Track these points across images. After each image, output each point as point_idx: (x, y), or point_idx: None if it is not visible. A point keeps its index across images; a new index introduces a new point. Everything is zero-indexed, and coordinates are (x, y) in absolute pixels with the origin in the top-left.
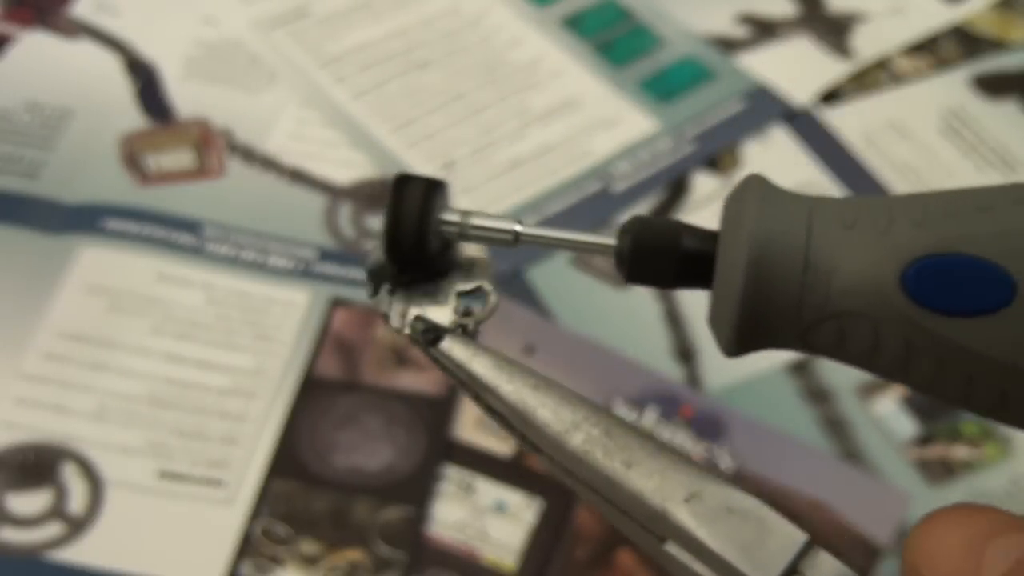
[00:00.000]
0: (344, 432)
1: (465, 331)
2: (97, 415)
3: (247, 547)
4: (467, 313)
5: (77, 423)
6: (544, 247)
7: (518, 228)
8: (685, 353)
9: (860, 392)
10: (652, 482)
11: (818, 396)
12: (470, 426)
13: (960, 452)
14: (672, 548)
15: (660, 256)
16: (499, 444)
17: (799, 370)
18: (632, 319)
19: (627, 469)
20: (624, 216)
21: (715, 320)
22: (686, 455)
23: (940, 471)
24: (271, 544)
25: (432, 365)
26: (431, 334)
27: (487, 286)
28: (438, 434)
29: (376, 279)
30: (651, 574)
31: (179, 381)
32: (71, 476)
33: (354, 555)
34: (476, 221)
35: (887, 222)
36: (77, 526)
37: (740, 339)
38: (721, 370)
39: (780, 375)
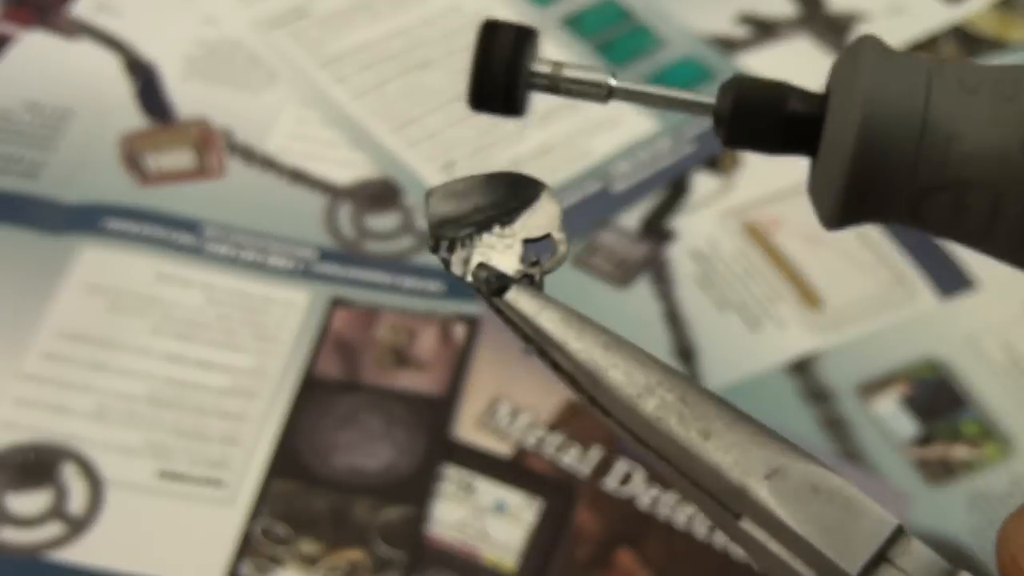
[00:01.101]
0: (344, 432)
1: (532, 282)
2: (97, 415)
3: (247, 547)
4: (535, 263)
5: (77, 423)
6: (638, 103)
7: (612, 82)
8: (685, 353)
9: (860, 392)
10: (731, 455)
11: (818, 396)
12: (470, 426)
13: (960, 452)
14: (748, 526)
15: (764, 117)
16: (499, 444)
17: (799, 370)
18: (632, 319)
19: (704, 440)
20: (625, 216)
21: (818, 188)
22: (768, 428)
23: (940, 471)
24: (271, 544)
25: (434, 364)
26: (496, 283)
27: (557, 234)
28: (438, 434)
29: (437, 232)
30: (651, 574)
31: (179, 381)
32: (71, 476)
33: (354, 555)
34: (568, 73)
35: (1014, 89)
36: (77, 526)
37: (846, 207)
38: (721, 370)
39: (780, 375)
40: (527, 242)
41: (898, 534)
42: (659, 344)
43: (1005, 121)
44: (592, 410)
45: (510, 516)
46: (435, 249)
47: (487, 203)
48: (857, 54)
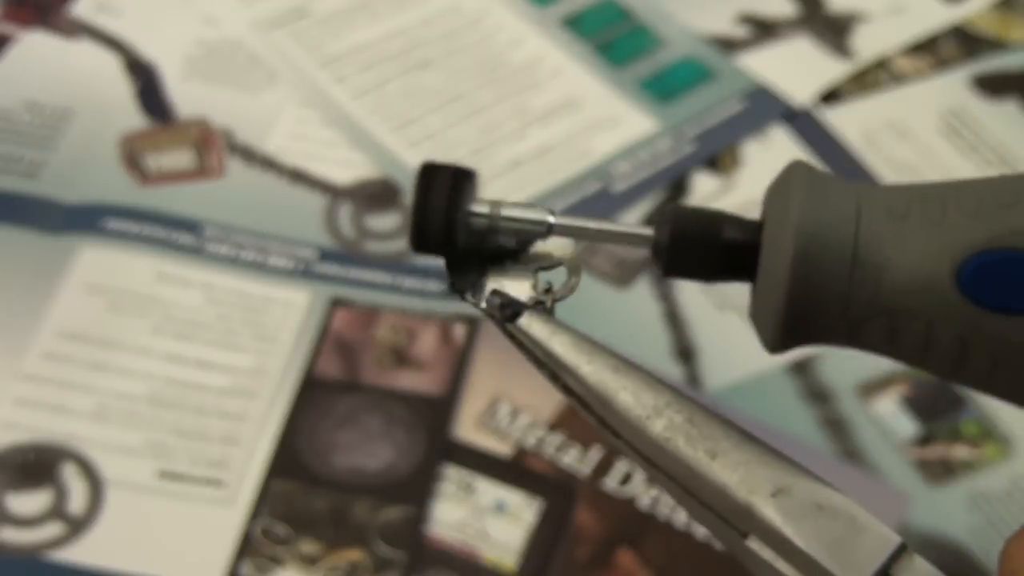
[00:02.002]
0: (344, 432)
1: (544, 308)
2: (97, 415)
3: (247, 547)
4: (547, 290)
5: (77, 423)
6: (578, 238)
7: (551, 219)
8: (685, 353)
9: (860, 392)
10: (737, 474)
11: (818, 396)
12: (470, 426)
13: (960, 452)
14: (755, 544)
15: (701, 247)
16: (499, 444)
17: (799, 370)
18: (632, 319)
19: (711, 459)
20: (625, 216)
21: (758, 315)
22: (773, 448)
23: (940, 471)
24: (271, 544)
25: (434, 364)
26: (509, 309)
27: (569, 262)
28: (438, 434)
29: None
30: (651, 574)
31: (179, 381)
32: (71, 476)
33: (354, 555)
34: (507, 212)
35: (940, 213)
36: (77, 526)
37: (784, 335)
38: (721, 370)
39: (780, 375)
40: (540, 269)
41: (901, 551)
42: (659, 344)
43: (933, 248)
44: (603, 432)
45: (510, 516)
46: (454, 287)
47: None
48: (789, 182)
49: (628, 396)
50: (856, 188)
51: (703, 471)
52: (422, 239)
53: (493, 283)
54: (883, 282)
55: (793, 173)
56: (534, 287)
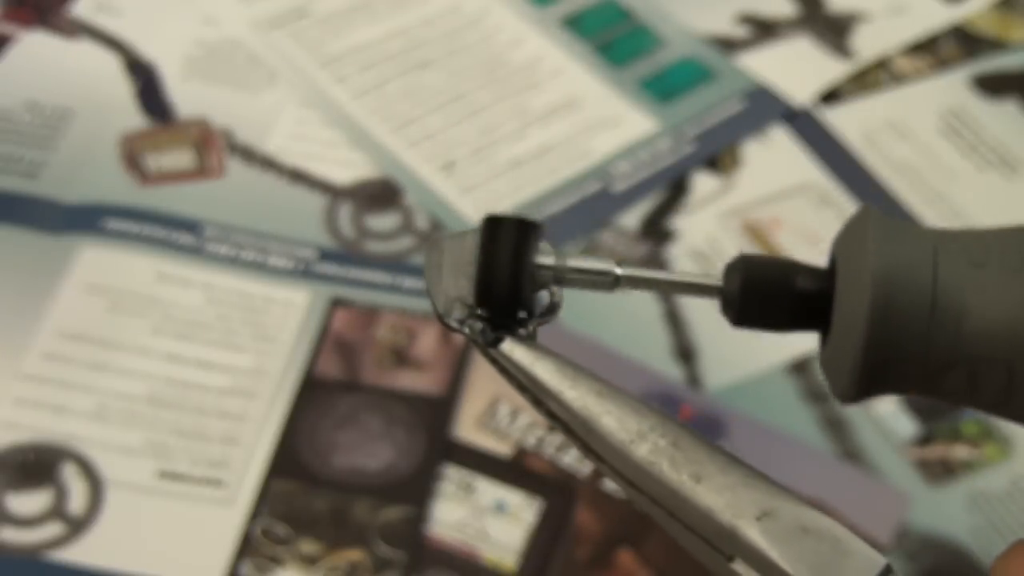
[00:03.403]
0: (344, 432)
1: (527, 332)
2: (97, 415)
3: (247, 547)
4: (529, 314)
5: (77, 423)
6: (644, 290)
7: (618, 271)
8: (685, 353)
9: None
10: (722, 498)
11: (818, 396)
12: (470, 426)
13: (960, 452)
14: (740, 567)
15: (772, 297)
16: (499, 444)
17: (799, 370)
18: (632, 319)
19: (696, 483)
20: (624, 216)
21: (831, 364)
22: (758, 471)
23: (940, 471)
24: (271, 544)
25: (434, 364)
26: (491, 334)
27: (552, 287)
28: (438, 434)
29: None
30: (651, 574)
31: (179, 381)
32: (71, 476)
33: (354, 555)
34: (573, 263)
35: (1020, 259)
36: (77, 526)
37: (862, 384)
38: (721, 370)
39: (780, 375)
40: None
41: (887, 573)
42: (659, 344)
43: (1014, 295)
44: (587, 456)
45: (510, 516)
46: (443, 318)
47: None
48: (862, 227)
49: (612, 420)
50: (932, 235)
51: (688, 495)
52: (489, 292)
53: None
54: (963, 329)
55: (866, 219)
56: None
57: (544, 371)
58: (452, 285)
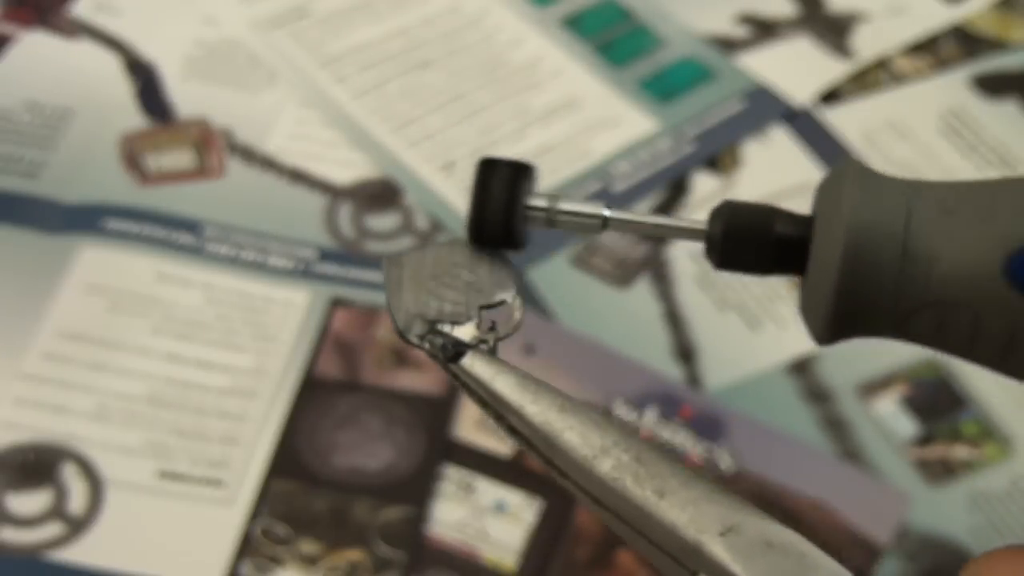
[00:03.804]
0: (344, 432)
1: (487, 347)
2: (97, 415)
3: (247, 547)
4: (491, 328)
5: (77, 423)
6: (631, 232)
7: (606, 213)
8: (685, 353)
9: (860, 392)
10: (686, 513)
11: (818, 396)
12: (470, 426)
13: (960, 452)
14: None
15: (753, 242)
16: (499, 444)
17: (799, 370)
18: (632, 319)
19: (659, 499)
20: None
21: (807, 307)
22: (721, 486)
23: (940, 471)
24: (271, 544)
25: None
26: (451, 350)
27: (512, 300)
28: (438, 434)
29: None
30: (651, 574)
31: (179, 381)
32: (71, 476)
33: (354, 555)
34: (563, 206)
35: (990, 208)
36: (77, 526)
37: (834, 327)
38: (721, 370)
39: (780, 375)
40: (483, 308)
41: None
42: (659, 344)
43: (983, 243)
44: (550, 472)
45: (510, 516)
46: (403, 334)
47: (445, 284)
48: (840, 177)
49: (574, 436)
50: (907, 184)
51: (651, 510)
52: (481, 232)
53: (440, 326)
54: (933, 274)
55: (845, 169)
56: (478, 326)
57: (505, 386)
58: (412, 301)
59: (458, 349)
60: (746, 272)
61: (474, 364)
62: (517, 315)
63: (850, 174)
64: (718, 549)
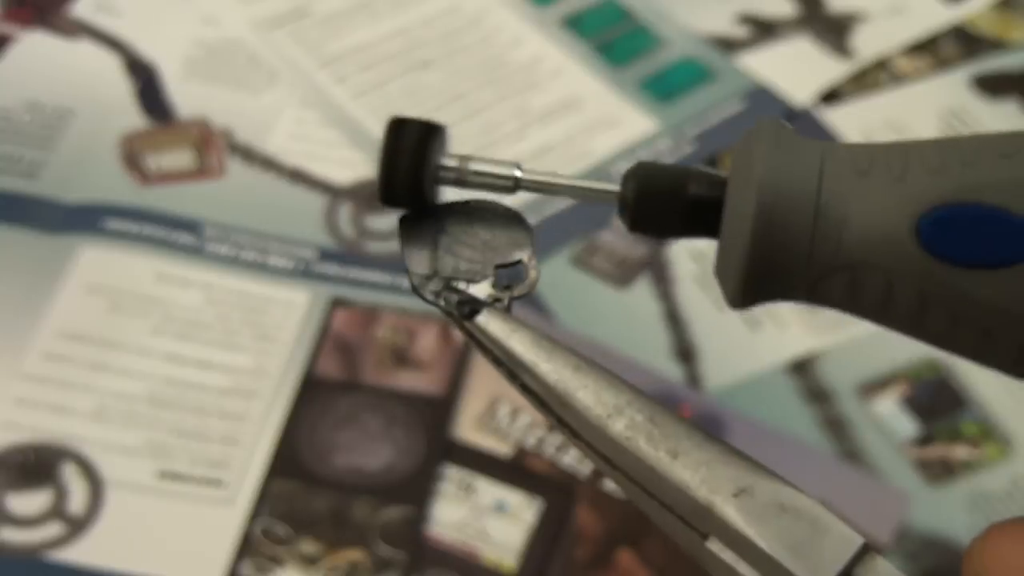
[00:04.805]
0: (344, 432)
1: (503, 305)
2: (97, 415)
3: (247, 547)
4: (506, 287)
5: (77, 423)
6: (544, 193)
7: (517, 173)
8: (685, 353)
9: (860, 392)
10: (699, 474)
11: (818, 396)
12: (470, 426)
13: (960, 452)
14: (715, 546)
15: (666, 203)
16: (499, 444)
17: (799, 370)
18: (632, 319)
19: (672, 459)
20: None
21: (721, 270)
22: (735, 448)
23: (940, 471)
24: (271, 544)
25: (434, 364)
26: (466, 307)
27: (527, 260)
28: (438, 434)
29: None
30: (651, 574)
31: (179, 381)
32: (71, 476)
33: (354, 555)
34: (474, 167)
35: (902, 169)
36: (77, 526)
37: (746, 290)
38: (721, 370)
39: (780, 375)
40: (498, 267)
41: (864, 552)
42: (659, 344)
43: (894, 203)
44: (562, 432)
45: (510, 516)
46: (418, 290)
47: (461, 242)
48: (754, 137)
49: (588, 395)
50: (821, 145)
51: (664, 471)
52: (390, 191)
53: (454, 282)
54: (844, 237)
55: (760, 129)
56: (493, 285)
57: (519, 344)
58: (428, 258)
59: (473, 307)
60: (660, 235)
61: (489, 322)
62: (532, 274)
63: (764, 134)
64: (730, 510)
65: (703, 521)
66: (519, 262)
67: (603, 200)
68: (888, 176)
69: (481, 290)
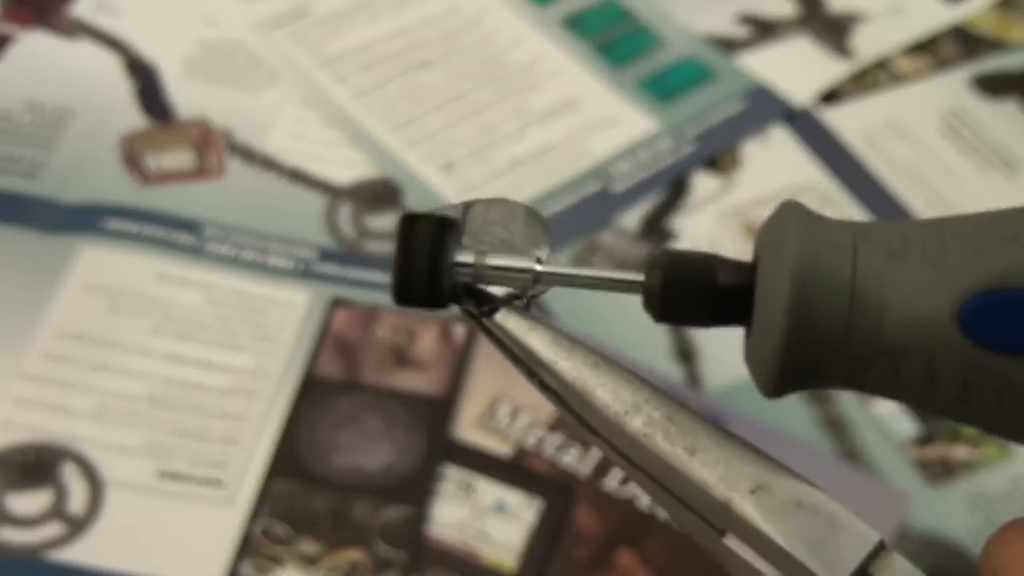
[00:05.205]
0: (344, 432)
1: (521, 303)
2: (97, 415)
3: (247, 547)
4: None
5: (77, 423)
6: (566, 286)
7: (538, 268)
8: (685, 353)
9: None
10: (716, 471)
11: (818, 396)
12: (470, 426)
13: (960, 452)
14: (733, 543)
15: (694, 293)
16: (499, 444)
17: None
18: (632, 319)
19: (690, 456)
20: (625, 216)
21: (754, 360)
22: (753, 445)
23: (940, 471)
24: (271, 544)
25: (434, 364)
26: (485, 305)
27: (545, 258)
28: (438, 434)
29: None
30: (651, 574)
31: (179, 381)
32: (71, 476)
33: (354, 555)
34: (492, 261)
35: (939, 251)
36: (77, 526)
37: (782, 380)
38: (721, 370)
39: None
40: None
41: (880, 549)
42: (659, 344)
43: (933, 288)
44: (580, 429)
45: (510, 516)
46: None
47: (480, 241)
48: (781, 222)
49: (606, 392)
50: (851, 227)
51: (682, 468)
52: (406, 293)
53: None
54: (883, 323)
55: (786, 213)
56: None
57: (538, 341)
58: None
59: (492, 305)
60: (688, 324)
61: (508, 320)
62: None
63: (791, 217)
64: (747, 507)
65: (721, 518)
66: (537, 260)
67: (627, 290)
68: (925, 259)
69: (499, 288)
